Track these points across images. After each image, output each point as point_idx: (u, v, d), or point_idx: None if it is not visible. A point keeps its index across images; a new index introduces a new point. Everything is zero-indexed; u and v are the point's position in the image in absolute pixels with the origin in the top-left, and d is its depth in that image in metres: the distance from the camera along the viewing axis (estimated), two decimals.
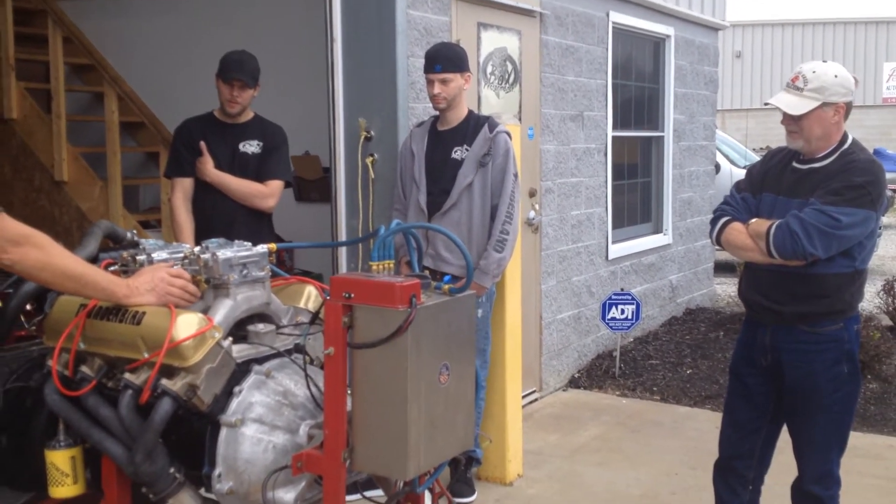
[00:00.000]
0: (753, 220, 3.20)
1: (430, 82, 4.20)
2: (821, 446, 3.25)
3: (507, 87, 5.48)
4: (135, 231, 2.94)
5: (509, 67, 5.49)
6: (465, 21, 5.11)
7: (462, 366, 2.35)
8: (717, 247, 3.36)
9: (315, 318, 2.44)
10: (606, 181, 6.89)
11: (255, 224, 4.40)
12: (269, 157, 4.45)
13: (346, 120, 4.65)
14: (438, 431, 2.28)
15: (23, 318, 2.71)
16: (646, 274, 7.63)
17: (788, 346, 3.22)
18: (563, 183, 6.27)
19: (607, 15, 6.74)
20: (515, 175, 4.24)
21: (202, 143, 4.40)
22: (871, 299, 8.54)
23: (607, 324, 6.51)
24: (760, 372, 3.32)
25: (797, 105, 3.09)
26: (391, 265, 2.36)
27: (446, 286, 2.31)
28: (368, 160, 4.59)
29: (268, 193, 4.42)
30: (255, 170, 4.44)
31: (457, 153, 4.23)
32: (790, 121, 3.13)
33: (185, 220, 4.42)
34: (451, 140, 4.26)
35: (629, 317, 6.45)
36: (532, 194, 5.80)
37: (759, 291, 3.28)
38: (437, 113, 4.31)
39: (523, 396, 5.85)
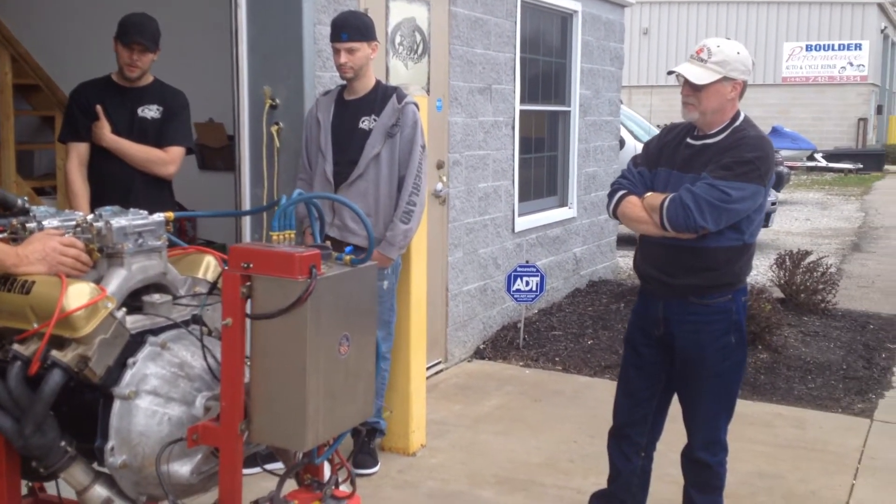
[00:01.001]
0: (648, 193, 3.30)
1: (336, 51, 4.14)
2: (709, 414, 3.38)
3: (415, 59, 5.45)
4: (27, 198, 2.83)
5: (418, 38, 5.46)
6: None
7: (363, 336, 2.35)
8: (613, 220, 3.45)
9: (213, 287, 2.41)
10: (514, 154, 6.95)
11: (154, 192, 4.29)
12: (170, 122, 4.34)
13: (250, 87, 4.56)
14: (338, 402, 2.29)
15: None
16: (551, 246, 7.74)
17: (679, 318, 3.33)
18: (470, 155, 6.30)
19: None
20: (423, 147, 4.23)
21: (98, 108, 4.26)
22: (764, 272, 8.90)
23: (512, 295, 6.59)
24: (654, 342, 3.43)
25: (700, 75, 3.18)
26: (292, 235, 2.34)
27: (347, 257, 2.31)
28: (273, 129, 4.52)
29: (168, 160, 4.31)
30: (155, 135, 4.31)
31: (364, 123, 4.20)
32: (690, 91, 3.22)
33: (80, 186, 4.28)
34: (358, 110, 4.22)
35: (533, 288, 6.54)
36: (440, 166, 5.81)
37: (652, 264, 3.39)
38: (344, 82, 4.26)
39: (428, 367, 5.90)
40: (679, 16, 32.12)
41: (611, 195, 3.41)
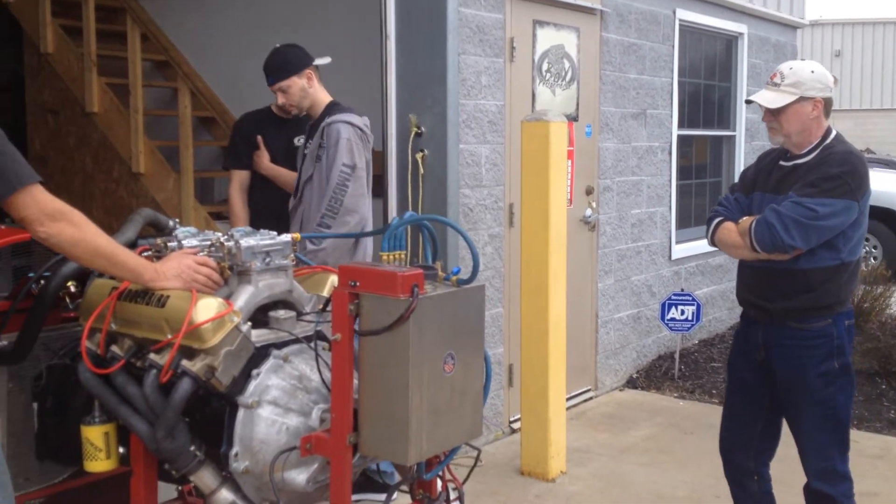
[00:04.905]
0: (743, 218, 3.26)
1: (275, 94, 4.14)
2: (819, 443, 3.25)
3: (563, 85, 5.48)
4: (177, 220, 3.07)
5: (566, 65, 5.48)
6: (520, 18, 5.14)
7: (469, 355, 2.39)
8: (712, 247, 3.50)
9: (326, 304, 2.52)
10: (671, 180, 6.82)
11: None
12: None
13: (398, 116, 4.73)
14: (443, 419, 2.33)
15: (67, 300, 2.85)
16: (713, 275, 7.51)
17: (778, 343, 3.26)
18: (622, 181, 6.23)
19: (674, 13, 6.66)
20: (351, 166, 3.90)
21: (259, 138, 4.53)
22: None
23: (666, 324, 6.44)
24: (756, 367, 3.37)
25: (774, 99, 3.19)
26: (402, 256, 2.42)
27: (454, 277, 2.36)
28: (419, 156, 4.66)
29: None
30: None
31: (306, 147, 4.15)
32: (770, 116, 3.22)
33: (240, 210, 4.55)
34: (309, 134, 4.19)
35: (689, 318, 6.37)
36: (589, 192, 5.79)
37: (749, 289, 3.34)
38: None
39: (577, 395, 5.87)
40: (875, 36, 30.40)
41: (708, 222, 3.40)
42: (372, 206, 4.17)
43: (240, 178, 4.59)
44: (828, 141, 3.22)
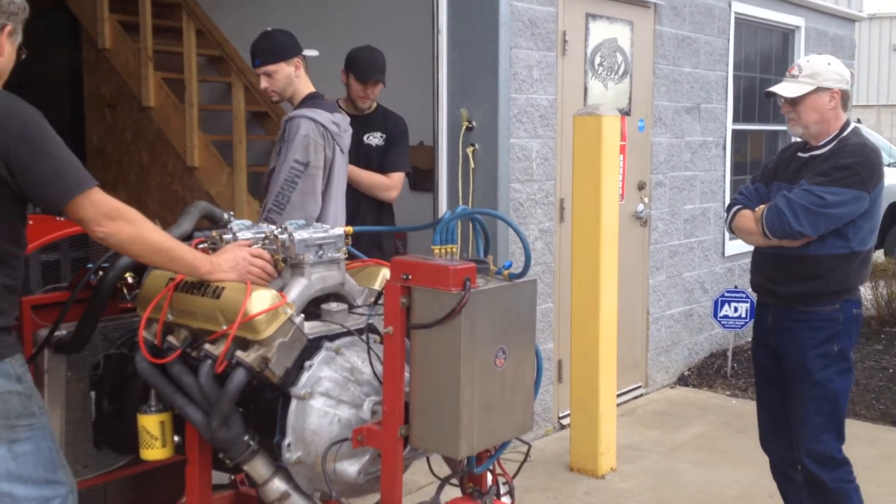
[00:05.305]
0: (759, 206, 3.37)
1: (258, 78, 3.92)
2: (813, 424, 3.33)
3: (615, 79, 5.43)
4: (232, 213, 3.11)
5: (619, 58, 5.44)
6: (572, 12, 5.10)
7: (521, 350, 2.39)
8: (730, 235, 3.69)
9: (378, 297, 2.53)
10: (725, 175, 6.72)
11: (377, 212, 4.51)
12: (392, 149, 4.53)
13: (449, 110, 4.73)
14: (494, 414, 2.33)
15: (125, 291, 2.90)
16: None
17: (785, 325, 3.37)
18: (675, 176, 6.16)
19: (729, 5, 6.56)
20: (303, 164, 3.72)
21: None
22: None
23: (719, 321, 6.36)
24: (771, 353, 3.48)
25: (793, 89, 3.28)
26: (454, 249, 2.42)
27: (506, 272, 2.36)
28: (469, 150, 4.66)
29: (391, 185, 4.51)
30: (379, 161, 4.52)
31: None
32: (788, 107, 3.32)
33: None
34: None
35: (743, 315, 6.28)
36: (641, 187, 5.73)
37: (761, 274, 3.46)
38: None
39: (627, 392, 5.82)
40: None
41: (727, 210, 3.52)
42: (337, 207, 3.93)
43: None
44: (844, 133, 3.30)
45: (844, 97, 3.29)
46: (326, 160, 3.78)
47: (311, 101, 3.86)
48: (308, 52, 4.05)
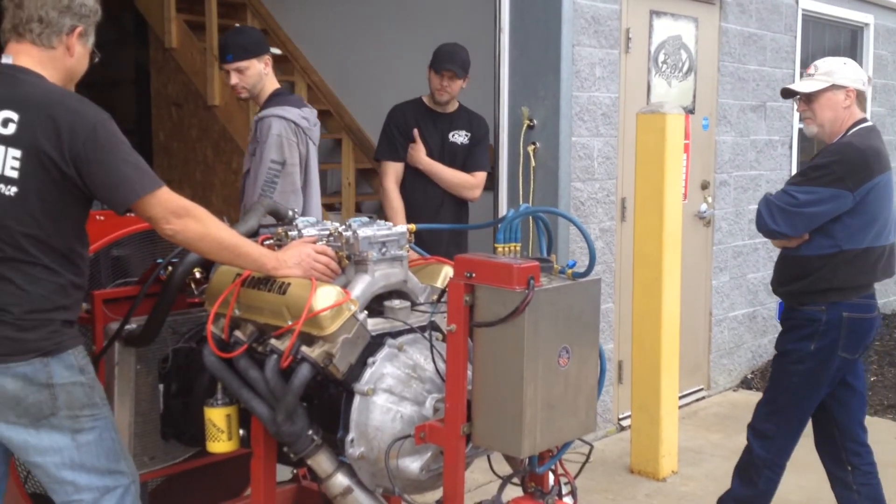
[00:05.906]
0: None
1: (226, 73, 3.90)
2: (769, 401, 3.45)
3: (679, 77, 5.37)
4: (296, 209, 3.14)
5: (683, 56, 5.37)
6: (636, 9, 5.06)
7: (584, 350, 2.38)
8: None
9: (441, 295, 2.53)
10: (791, 175, 6.58)
11: (457, 210, 4.55)
12: (476, 148, 4.54)
13: (510, 108, 4.72)
14: (557, 413, 2.32)
15: (193, 286, 2.96)
16: None
17: (782, 324, 3.48)
18: (740, 176, 6.07)
19: (796, 2, 6.44)
20: (280, 163, 3.74)
21: (415, 131, 4.47)
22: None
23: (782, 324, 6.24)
24: None
25: (808, 86, 3.31)
26: (517, 248, 2.42)
27: (570, 270, 2.35)
28: (530, 148, 4.65)
29: (475, 184, 4.52)
30: (463, 159, 4.52)
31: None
32: (804, 105, 3.35)
33: (399, 203, 4.46)
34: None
35: None
36: (704, 186, 5.66)
37: (773, 275, 3.58)
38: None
39: (689, 394, 5.76)
40: None
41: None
42: (319, 201, 4.01)
43: (395, 170, 4.50)
44: (848, 133, 3.29)
45: (860, 97, 3.31)
46: (301, 156, 3.82)
47: (277, 98, 3.87)
48: (274, 51, 4.07)
